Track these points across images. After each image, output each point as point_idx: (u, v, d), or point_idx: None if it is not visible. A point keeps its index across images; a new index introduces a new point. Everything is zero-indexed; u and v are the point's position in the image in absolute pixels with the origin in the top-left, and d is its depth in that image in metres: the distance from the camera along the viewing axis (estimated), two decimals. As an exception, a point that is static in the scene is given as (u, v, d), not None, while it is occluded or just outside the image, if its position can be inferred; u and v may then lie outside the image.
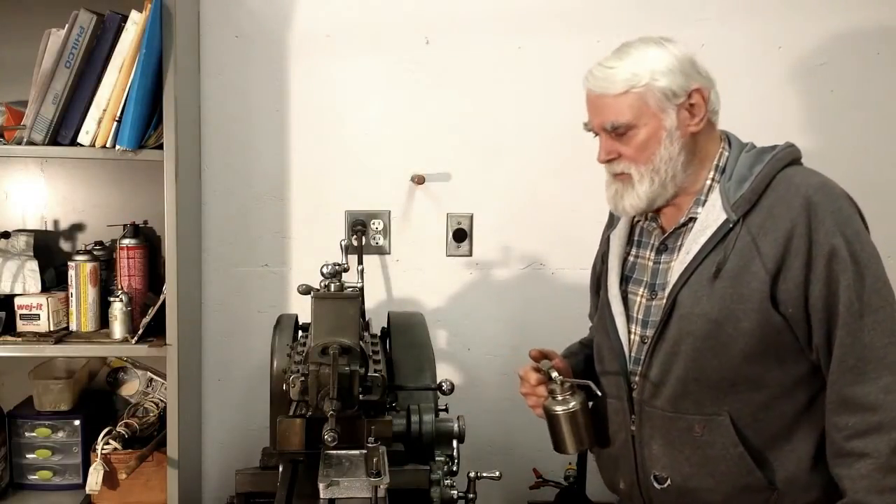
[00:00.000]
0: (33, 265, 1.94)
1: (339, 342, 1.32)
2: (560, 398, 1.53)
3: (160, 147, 1.82)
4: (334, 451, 1.32)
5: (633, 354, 1.53)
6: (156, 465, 1.93)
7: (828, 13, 2.19)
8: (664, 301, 1.48)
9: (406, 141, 2.19)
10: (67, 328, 1.94)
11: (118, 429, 1.93)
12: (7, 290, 1.92)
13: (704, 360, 1.43)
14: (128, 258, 1.97)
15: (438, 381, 1.58)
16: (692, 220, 1.48)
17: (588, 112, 1.49)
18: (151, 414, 2.03)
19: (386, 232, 2.21)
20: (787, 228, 1.38)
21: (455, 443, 1.58)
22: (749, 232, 1.41)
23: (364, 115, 2.19)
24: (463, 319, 2.25)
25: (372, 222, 2.20)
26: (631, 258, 1.59)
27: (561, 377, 1.53)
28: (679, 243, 1.50)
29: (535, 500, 2.22)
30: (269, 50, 2.15)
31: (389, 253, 2.23)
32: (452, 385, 1.56)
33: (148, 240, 2.04)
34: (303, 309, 1.57)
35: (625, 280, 1.58)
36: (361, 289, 1.76)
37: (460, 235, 2.22)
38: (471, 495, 1.52)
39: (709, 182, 1.49)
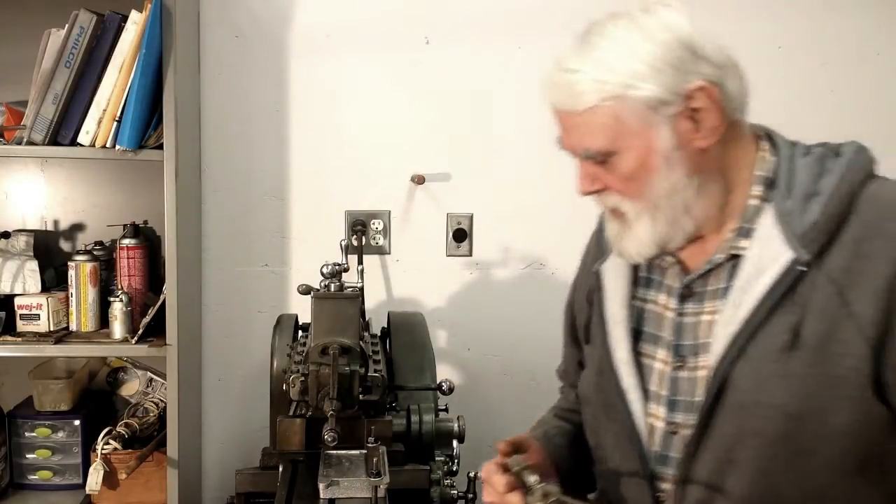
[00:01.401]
0: (33, 265, 1.94)
1: (339, 342, 1.32)
2: None
3: (160, 147, 1.82)
4: (334, 451, 1.32)
5: (655, 449, 1.10)
6: (156, 465, 1.93)
7: (827, 13, 2.19)
8: (699, 373, 1.06)
9: (406, 141, 2.19)
10: (67, 328, 1.94)
11: (118, 429, 1.93)
12: (7, 290, 1.91)
13: (777, 472, 1.00)
14: (128, 258, 1.97)
15: (438, 381, 1.58)
16: (735, 257, 1.06)
17: (559, 127, 1.11)
18: (151, 414, 2.03)
19: (386, 232, 2.21)
20: (889, 274, 0.96)
21: (455, 443, 1.58)
22: (830, 279, 0.98)
23: (364, 114, 2.18)
24: (463, 319, 2.25)
25: (372, 222, 2.20)
26: (638, 303, 1.16)
27: (543, 486, 1.06)
28: (711, 288, 1.08)
29: (535, 500, 2.22)
30: (269, 50, 2.15)
31: (389, 253, 2.23)
32: (452, 385, 1.56)
33: (148, 240, 2.03)
34: (303, 309, 1.57)
35: (633, 335, 1.14)
36: (361, 289, 1.76)
37: (460, 235, 2.22)
38: (470, 495, 1.52)
39: (754, 202, 1.06)
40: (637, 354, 1.13)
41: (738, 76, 1.06)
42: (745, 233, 1.05)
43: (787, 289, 1.00)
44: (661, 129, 1.02)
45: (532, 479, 1.08)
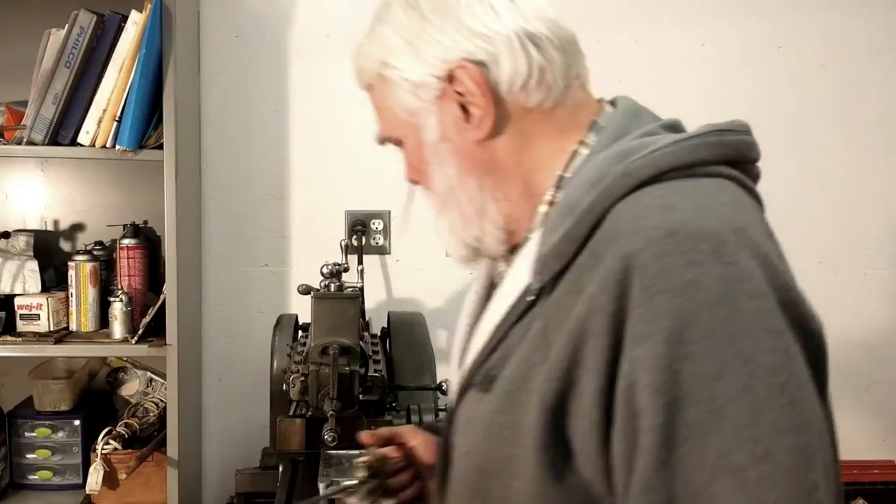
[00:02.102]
0: (33, 265, 1.94)
1: (339, 342, 1.32)
2: None
3: (160, 147, 1.81)
4: (334, 451, 1.32)
5: None
6: (156, 465, 1.92)
7: (828, 13, 2.19)
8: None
9: (406, 141, 2.19)
10: (67, 328, 1.94)
11: (118, 429, 1.93)
12: (7, 290, 1.91)
13: None
14: (128, 258, 1.97)
15: (438, 381, 1.58)
16: None
17: None
18: (151, 414, 2.03)
19: (386, 232, 2.21)
20: (582, 316, 0.73)
21: (455, 443, 1.57)
22: (546, 315, 0.78)
23: (364, 114, 2.14)
24: (463, 319, 2.24)
25: (372, 222, 2.20)
26: None
27: (363, 476, 1.01)
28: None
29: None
30: (269, 50, 2.15)
31: (389, 253, 2.23)
32: (452, 385, 1.56)
33: (148, 240, 2.03)
34: (303, 309, 1.57)
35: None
36: (361, 289, 1.76)
37: (460, 235, 2.21)
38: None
39: (543, 209, 0.85)
40: None
41: (530, 55, 0.83)
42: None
43: (515, 320, 0.82)
44: (425, 117, 0.87)
45: (360, 474, 1.02)
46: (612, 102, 0.90)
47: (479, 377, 0.83)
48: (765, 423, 0.66)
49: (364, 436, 1.10)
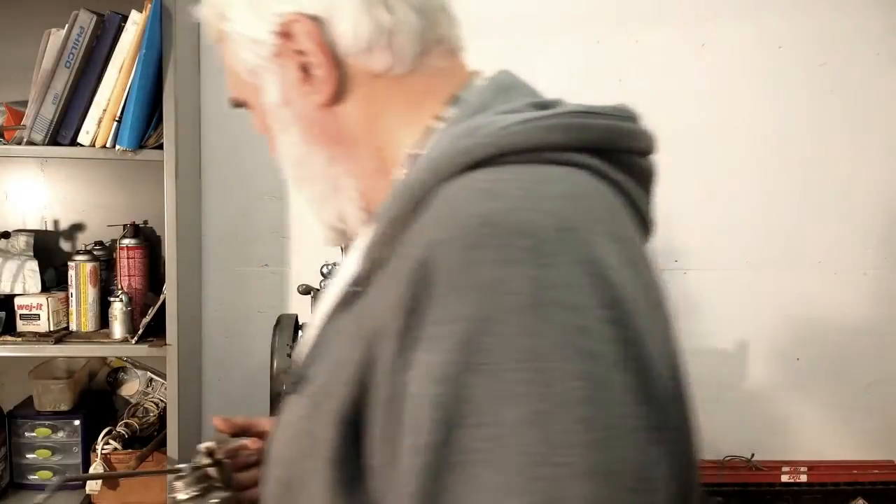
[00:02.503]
0: (33, 265, 1.94)
1: (339, 342, 1.32)
2: (182, 497, 0.90)
3: (160, 147, 1.82)
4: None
5: None
6: (156, 465, 1.93)
7: (828, 13, 2.19)
8: None
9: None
10: (67, 328, 1.94)
11: (118, 429, 1.93)
12: (7, 290, 1.92)
13: None
14: (128, 258, 1.97)
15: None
16: None
17: None
18: (151, 414, 2.03)
19: (386, 232, 2.20)
20: (381, 312, 0.63)
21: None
22: (361, 308, 0.68)
23: (364, 115, 2.18)
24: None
25: (372, 222, 2.19)
26: None
27: (195, 464, 0.90)
28: None
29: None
30: (269, 50, 2.15)
31: (389, 253, 2.23)
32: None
33: (148, 240, 2.04)
34: (303, 309, 1.57)
35: None
36: (361, 289, 1.76)
37: (460, 235, 2.21)
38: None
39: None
40: None
41: (374, 14, 0.73)
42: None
43: (339, 314, 0.71)
44: (265, 77, 0.79)
45: (205, 460, 0.92)
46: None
47: (293, 377, 0.73)
48: (557, 462, 0.54)
49: (217, 420, 0.99)
